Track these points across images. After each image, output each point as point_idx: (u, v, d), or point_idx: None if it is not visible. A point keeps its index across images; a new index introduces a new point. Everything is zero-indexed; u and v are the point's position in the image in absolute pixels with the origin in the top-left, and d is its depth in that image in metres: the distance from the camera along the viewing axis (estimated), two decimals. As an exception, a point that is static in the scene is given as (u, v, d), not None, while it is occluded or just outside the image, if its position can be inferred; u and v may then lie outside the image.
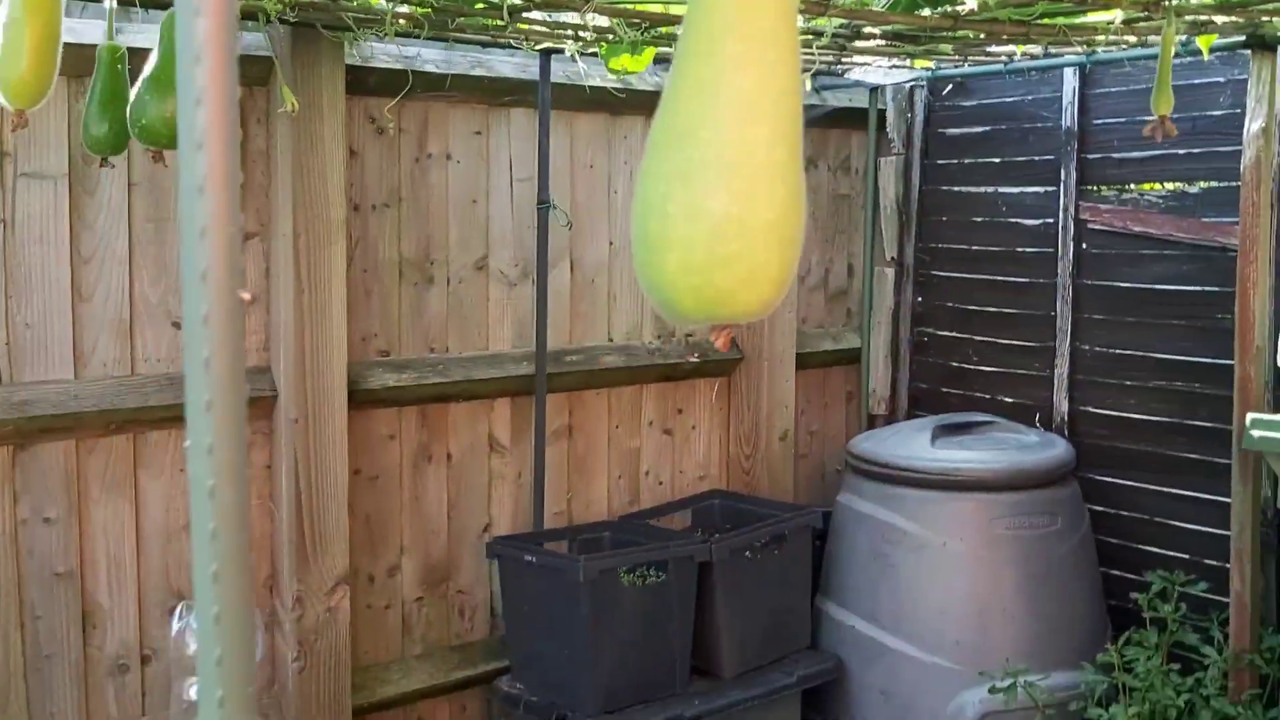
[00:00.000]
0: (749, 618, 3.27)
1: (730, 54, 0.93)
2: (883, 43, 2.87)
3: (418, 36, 2.67)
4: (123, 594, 2.74)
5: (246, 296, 0.70)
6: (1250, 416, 3.00)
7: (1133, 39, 2.92)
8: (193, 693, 2.27)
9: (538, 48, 3.07)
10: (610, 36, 2.69)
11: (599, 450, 3.57)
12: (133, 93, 1.87)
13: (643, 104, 3.45)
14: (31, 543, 2.61)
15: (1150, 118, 3.68)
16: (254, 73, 2.76)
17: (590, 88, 3.29)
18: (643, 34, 2.62)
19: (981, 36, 2.82)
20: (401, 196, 3.11)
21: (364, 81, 2.95)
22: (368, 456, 3.06)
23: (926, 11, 2.42)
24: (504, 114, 3.28)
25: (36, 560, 2.62)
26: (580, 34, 2.74)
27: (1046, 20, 2.53)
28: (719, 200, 0.90)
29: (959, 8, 2.37)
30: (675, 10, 2.37)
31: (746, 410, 3.83)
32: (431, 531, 3.23)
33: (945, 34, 2.68)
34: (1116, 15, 2.53)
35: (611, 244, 3.54)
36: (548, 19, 2.56)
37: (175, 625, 2.36)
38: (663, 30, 2.66)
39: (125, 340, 2.71)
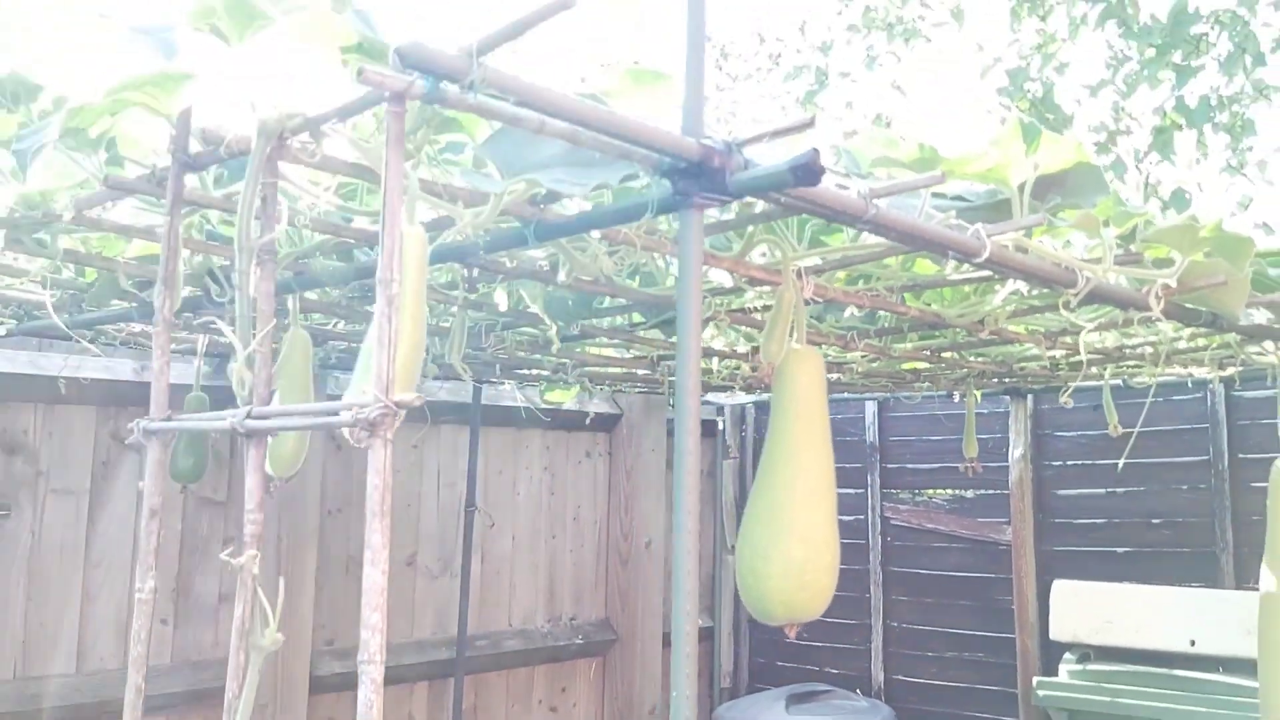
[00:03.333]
0: None
1: (799, 460, 1.61)
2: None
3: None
4: None
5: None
6: (1036, 680, 3.78)
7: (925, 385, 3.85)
8: None
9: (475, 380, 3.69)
10: (550, 376, 3.36)
11: (500, 727, 3.94)
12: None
13: (535, 421, 4.07)
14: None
15: (935, 438, 4.70)
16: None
17: (506, 407, 3.93)
18: (576, 377, 3.29)
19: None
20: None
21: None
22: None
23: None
24: (436, 430, 3.86)
25: None
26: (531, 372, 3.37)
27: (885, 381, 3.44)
28: (799, 552, 1.56)
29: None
30: (605, 353, 3.02)
31: (621, 685, 4.32)
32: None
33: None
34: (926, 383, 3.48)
35: (514, 538, 4.07)
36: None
37: None
38: (592, 370, 3.33)
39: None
